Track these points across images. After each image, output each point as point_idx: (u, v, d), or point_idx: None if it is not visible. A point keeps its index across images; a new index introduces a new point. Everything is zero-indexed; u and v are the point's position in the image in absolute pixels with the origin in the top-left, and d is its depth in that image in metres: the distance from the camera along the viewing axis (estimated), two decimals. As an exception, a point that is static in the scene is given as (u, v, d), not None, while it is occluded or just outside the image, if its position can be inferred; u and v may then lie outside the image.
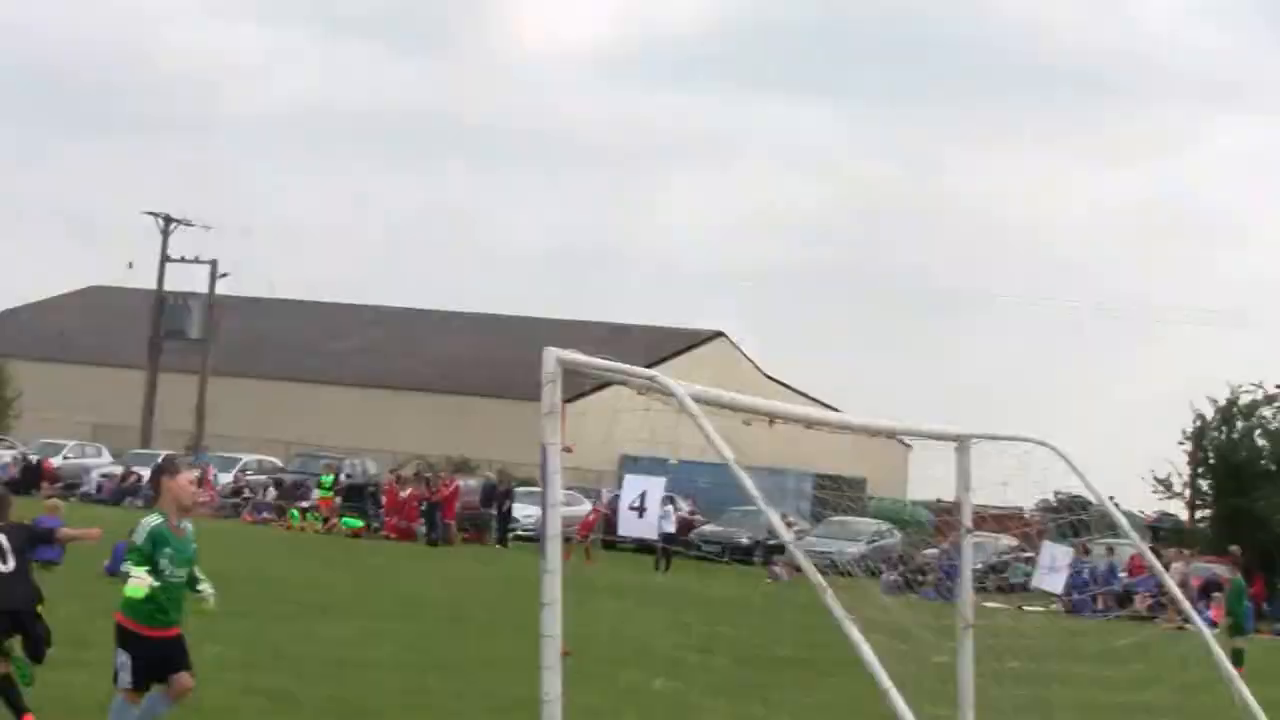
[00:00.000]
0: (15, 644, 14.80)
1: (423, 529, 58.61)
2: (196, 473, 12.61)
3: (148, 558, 12.54)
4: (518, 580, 39.94)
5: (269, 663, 20.71)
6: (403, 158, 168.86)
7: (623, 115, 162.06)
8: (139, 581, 12.40)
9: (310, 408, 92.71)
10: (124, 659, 12.66)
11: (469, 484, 64.69)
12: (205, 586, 13.18)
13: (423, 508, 59.15)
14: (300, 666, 20.60)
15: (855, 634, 10.39)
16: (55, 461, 70.26)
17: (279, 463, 75.37)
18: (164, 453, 73.89)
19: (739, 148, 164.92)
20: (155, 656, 12.69)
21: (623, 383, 11.58)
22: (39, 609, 14.92)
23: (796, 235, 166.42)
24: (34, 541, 15.33)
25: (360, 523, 59.16)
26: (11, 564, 14.76)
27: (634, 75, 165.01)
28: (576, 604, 11.16)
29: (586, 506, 60.88)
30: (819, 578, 10.60)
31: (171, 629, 12.80)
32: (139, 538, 12.59)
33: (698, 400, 10.98)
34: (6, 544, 14.80)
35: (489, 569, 45.95)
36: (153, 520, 12.70)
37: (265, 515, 62.75)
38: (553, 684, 10.63)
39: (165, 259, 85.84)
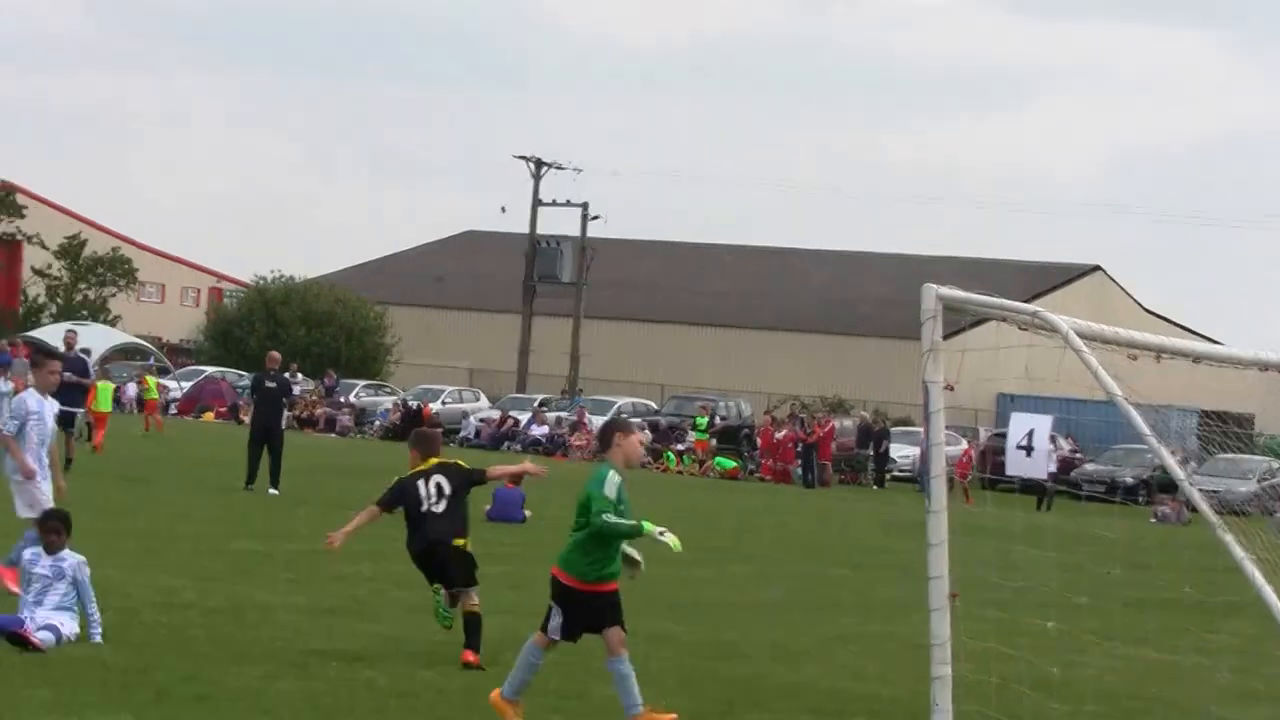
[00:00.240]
0: (440, 589, 15.41)
1: (798, 470, 58.36)
2: (647, 435, 12.55)
3: (613, 506, 12.41)
4: (896, 522, 39.44)
5: (646, 606, 20.50)
6: (778, 94, 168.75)
7: (996, 44, 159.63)
8: (670, 535, 12.56)
9: (684, 349, 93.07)
10: (557, 612, 12.58)
11: (844, 424, 64.20)
12: (634, 550, 12.86)
13: (798, 449, 58.88)
14: (680, 610, 20.38)
15: (1256, 574, 9.73)
16: (434, 407, 71.58)
17: (653, 405, 75.72)
18: (539, 397, 75.09)
19: (1114, 78, 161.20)
20: (590, 610, 12.61)
21: (1003, 319, 11.12)
22: (463, 542, 15.44)
23: (1174, 168, 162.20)
24: (470, 484, 15.69)
25: (734, 464, 59.10)
26: (444, 506, 15.29)
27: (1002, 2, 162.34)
28: (960, 545, 10.69)
29: (963, 445, 59.96)
30: (1215, 516, 10.02)
31: (610, 583, 12.66)
32: (609, 489, 12.43)
33: (1081, 335, 10.44)
34: (447, 486, 15.35)
35: (866, 510, 45.45)
36: (614, 474, 12.54)
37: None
38: (941, 626, 10.26)
39: (537, 203, 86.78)
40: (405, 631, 16.56)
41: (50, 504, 16.41)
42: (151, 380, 60.84)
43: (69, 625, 14.33)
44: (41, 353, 18.47)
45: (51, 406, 17.01)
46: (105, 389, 45.03)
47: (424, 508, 15.25)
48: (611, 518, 12.35)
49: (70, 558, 14.63)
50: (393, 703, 13.02)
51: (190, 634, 15.39)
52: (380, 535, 17.67)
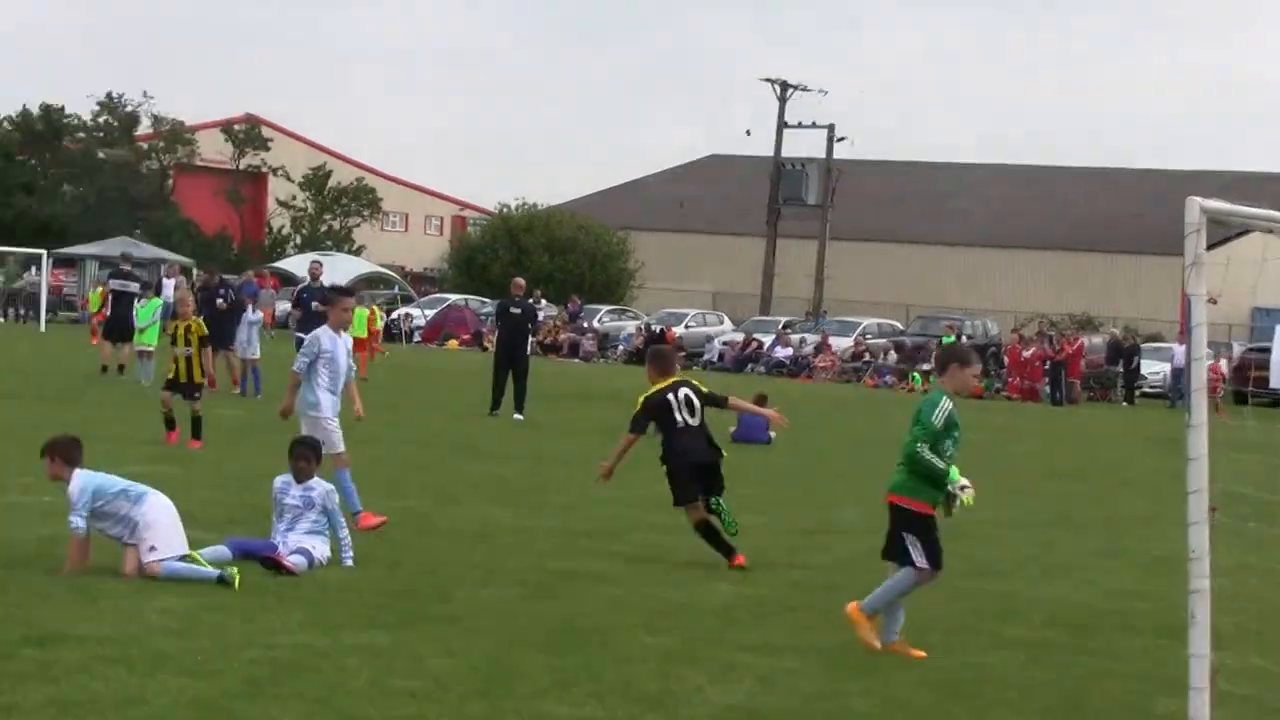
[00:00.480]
0: (719, 501, 16.15)
1: (1046, 388, 57.60)
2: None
3: (935, 437, 12.26)
4: (1147, 438, 38.72)
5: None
6: (1024, 9, 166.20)
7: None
8: (969, 489, 12.44)
9: (929, 269, 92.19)
10: (916, 541, 12.33)
11: (1093, 341, 63.20)
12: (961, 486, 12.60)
13: (1046, 367, 58.11)
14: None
15: None
16: (677, 330, 71.61)
17: (898, 325, 75.10)
18: (783, 319, 74.83)
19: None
20: (937, 534, 12.48)
21: (1268, 230, 10.73)
22: (717, 453, 16.34)
23: None
24: (710, 404, 16.36)
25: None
26: (696, 419, 16.10)
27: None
28: (1218, 459, 10.36)
29: (1212, 359, 58.71)
30: None
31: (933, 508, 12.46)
32: (937, 418, 12.27)
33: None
34: (696, 400, 16.08)
35: (1116, 427, 44.68)
36: (946, 402, 12.38)
37: (886, 379, 62.62)
38: (1199, 540, 9.94)
39: (782, 125, 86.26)
40: (654, 553, 16.51)
41: (340, 445, 16.64)
42: (376, 309, 61.51)
43: (320, 549, 14.46)
44: (336, 290, 18.62)
45: (345, 343, 17.14)
46: (361, 315, 45.48)
47: (679, 424, 15.97)
48: (926, 452, 12.21)
49: (319, 486, 14.74)
50: (641, 622, 12.95)
51: (440, 556, 15.47)
52: (636, 461, 17.62)
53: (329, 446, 16.39)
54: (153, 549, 13.21)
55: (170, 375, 24.19)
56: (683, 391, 16.15)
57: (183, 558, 13.39)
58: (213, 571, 13.24)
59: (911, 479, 12.36)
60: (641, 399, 16.25)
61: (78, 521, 13.17)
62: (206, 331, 24.31)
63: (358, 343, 43.74)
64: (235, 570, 13.34)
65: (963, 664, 12.28)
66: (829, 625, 13.34)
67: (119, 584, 12.77)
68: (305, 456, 14.86)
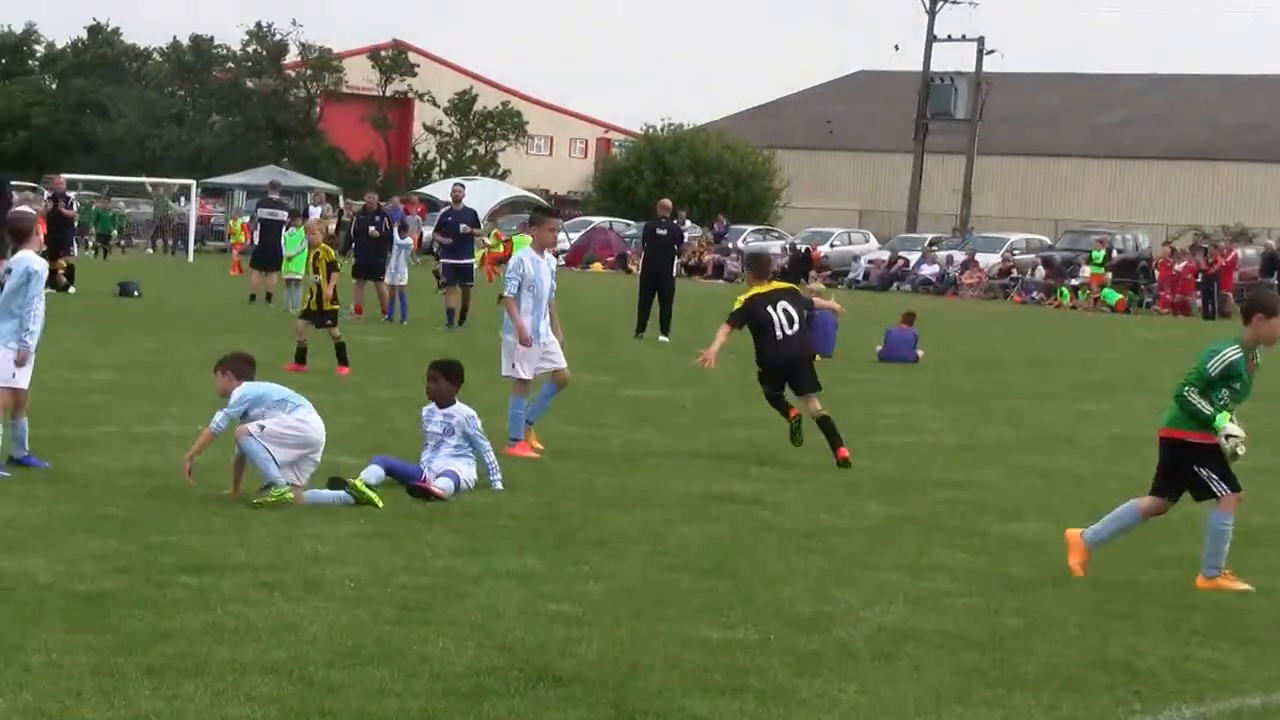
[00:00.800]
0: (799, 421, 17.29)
1: (1197, 302, 56.80)
2: None
3: (1207, 383, 11.86)
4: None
5: (1049, 444, 20.13)
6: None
7: None
8: (1236, 439, 11.81)
9: (1078, 183, 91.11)
10: (1210, 472, 11.88)
11: (1247, 253, 62.19)
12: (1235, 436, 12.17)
13: (1198, 280, 57.29)
14: (1081, 445, 19.93)
15: None
16: (823, 249, 71.30)
17: (1047, 241, 74.29)
18: (929, 236, 74.26)
19: None
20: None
21: None
22: (810, 357, 17.35)
23: None
24: (810, 308, 17.54)
25: (1119, 296, 57.68)
26: (794, 329, 16.99)
27: None
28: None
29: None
30: None
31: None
32: (1213, 367, 11.87)
33: None
34: (793, 310, 17.04)
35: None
36: (1232, 351, 11.95)
37: (1034, 295, 62.01)
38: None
39: (931, 39, 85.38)
40: (802, 475, 16.44)
41: (525, 372, 16.72)
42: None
43: (466, 472, 14.47)
44: (540, 210, 18.58)
45: (549, 264, 17.13)
46: (520, 241, 45.47)
47: (778, 334, 16.97)
48: (1193, 395, 11.79)
49: (459, 412, 14.71)
50: (793, 543, 12.90)
51: (588, 480, 15.48)
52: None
53: (515, 372, 16.67)
54: (262, 427, 13.23)
55: (305, 303, 24.29)
56: (781, 304, 17.08)
57: (338, 483, 13.45)
58: (347, 495, 13.32)
59: (1184, 413, 11.95)
60: (743, 298, 17.24)
61: (220, 419, 13.24)
62: (334, 257, 24.11)
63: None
64: (377, 493, 13.44)
65: (1120, 581, 12.12)
66: (980, 545, 13.24)
67: (272, 513, 12.87)
68: (434, 378, 14.83)
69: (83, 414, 17.66)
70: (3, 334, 14.01)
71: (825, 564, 12.26)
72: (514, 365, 16.84)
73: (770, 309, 17.02)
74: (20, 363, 14.02)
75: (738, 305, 17.23)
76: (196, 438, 13.51)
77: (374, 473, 14.13)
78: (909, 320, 31.22)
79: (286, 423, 13.30)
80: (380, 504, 13.31)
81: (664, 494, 14.93)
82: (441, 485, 14.10)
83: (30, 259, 14.16)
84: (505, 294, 16.92)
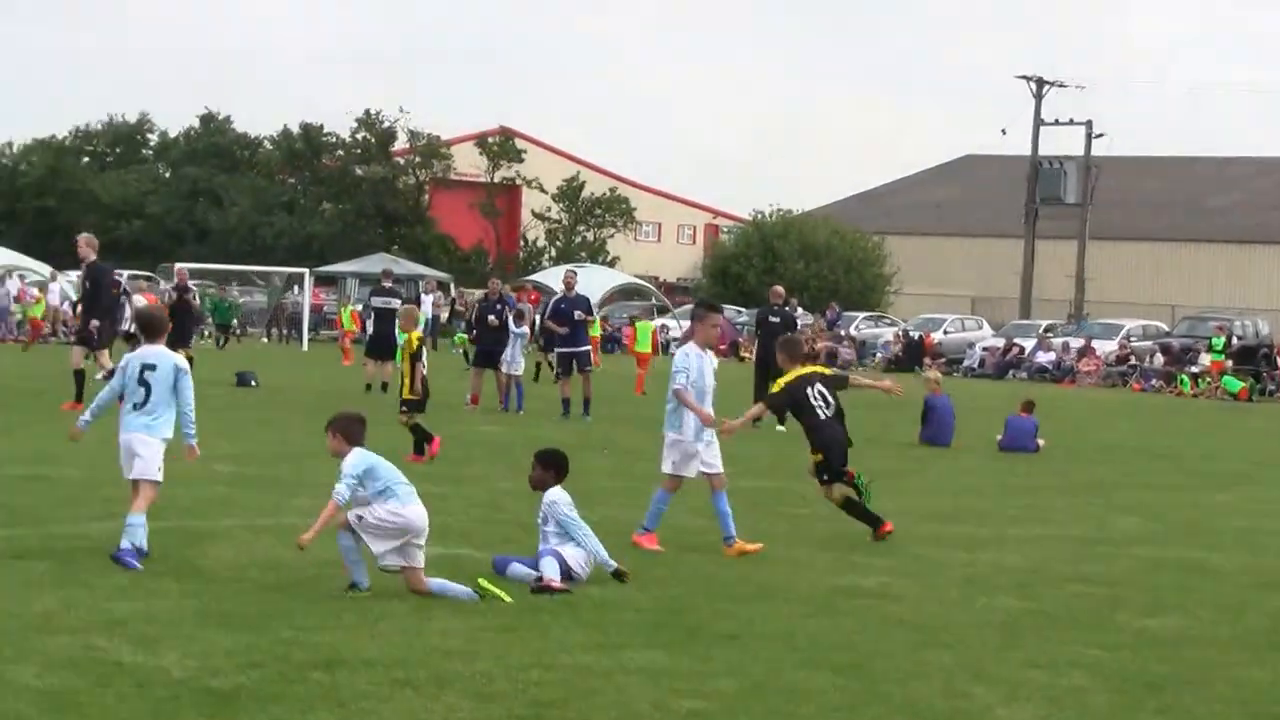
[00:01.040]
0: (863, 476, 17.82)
1: (1320, 389, 56.05)
2: None
3: None
4: None
5: (1179, 536, 19.80)
6: None
7: None
8: None
9: (1194, 268, 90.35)
10: None
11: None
12: None
13: (1320, 366, 56.54)
14: (1211, 537, 19.59)
15: None
16: (936, 336, 70.95)
17: (1164, 327, 73.59)
18: (1044, 322, 73.75)
19: None
20: None
21: None
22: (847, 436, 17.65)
23: None
24: (838, 386, 17.90)
25: (1241, 385, 56.95)
26: (831, 410, 17.48)
27: None
28: None
29: None
30: None
31: None
32: None
33: None
34: (827, 393, 17.47)
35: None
36: None
37: (1154, 383, 61.33)
38: None
39: (1039, 123, 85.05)
40: (927, 568, 16.23)
41: (717, 465, 16.78)
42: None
43: (574, 554, 14.34)
44: (702, 305, 18.47)
45: (711, 361, 17.09)
46: (645, 329, 45.57)
47: (820, 416, 17.37)
48: None
49: (550, 496, 14.64)
50: (923, 638, 12.71)
51: (713, 572, 15.35)
52: (904, 471, 17.42)
53: (676, 469, 16.66)
54: (360, 518, 13.17)
55: (400, 392, 24.30)
56: (816, 386, 17.39)
57: (476, 587, 13.38)
58: (472, 592, 13.26)
59: None
60: (782, 382, 17.53)
61: (343, 489, 13.18)
62: (417, 347, 24.13)
63: (641, 357, 44.08)
64: (503, 588, 13.36)
65: (1266, 681, 11.85)
66: (1116, 640, 12.99)
67: (400, 605, 12.82)
68: (532, 465, 14.92)
69: (207, 507, 17.71)
70: (152, 428, 14.21)
71: (957, 659, 12.06)
72: (674, 464, 16.76)
73: (809, 390, 17.31)
74: (190, 459, 14.61)
75: (777, 389, 17.59)
76: (325, 512, 13.37)
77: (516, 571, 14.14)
78: (1029, 409, 30.92)
79: (380, 515, 13.24)
80: (508, 599, 13.22)
81: (790, 587, 14.77)
82: (546, 567, 14.01)
83: (174, 355, 14.54)
84: (675, 386, 16.71)
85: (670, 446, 16.73)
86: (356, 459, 13.36)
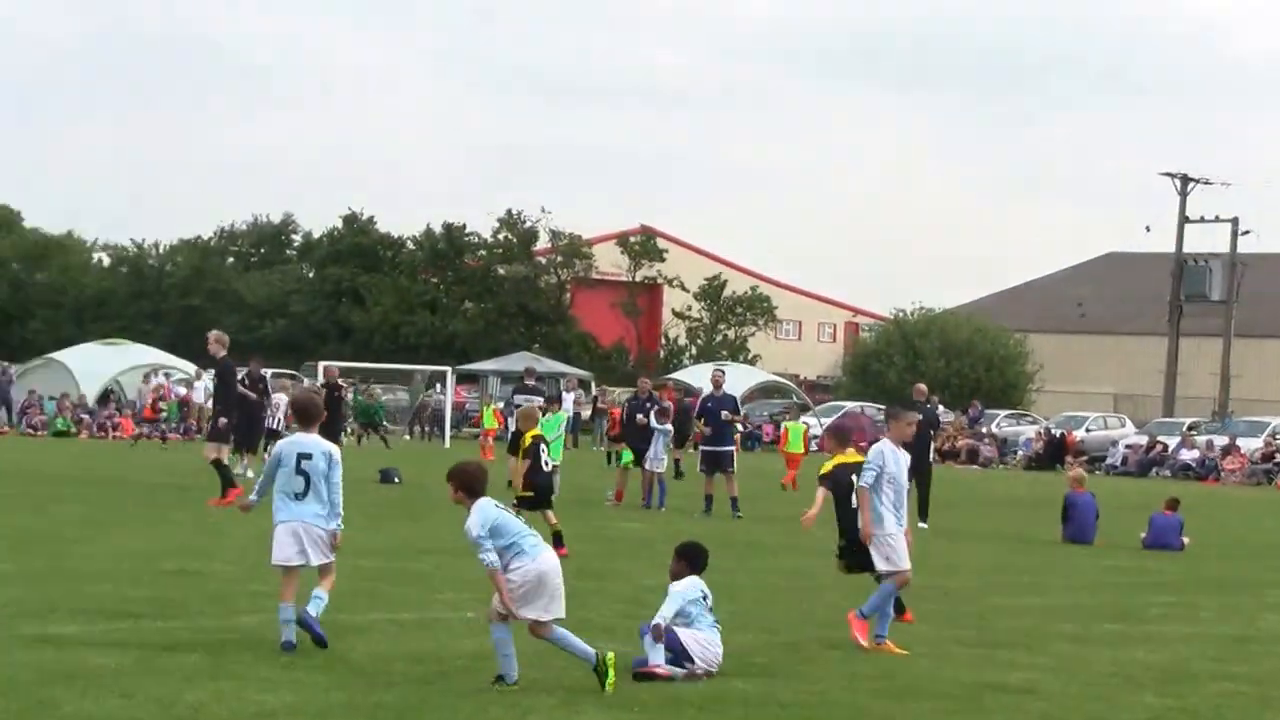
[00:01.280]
0: None
1: None
2: None
3: None
4: None
5: None
6: None
7: None
8: None
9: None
10: None
11: None
12: None
13: None
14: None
15: None
16: (1078, 434, 70.43)
17: (1313, 426, 72.56)
18: (1188, 420, 72.97)
19: None
20: None
21: None
22: None
23: None
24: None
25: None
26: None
27: None
28: None
29: None
30: None
31: None
32: None
33: None
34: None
35: None
36: None
37: (1288, 477, 60.49)
38: None
39: (1184, 220, 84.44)
40: (1072, 665, 16.12)
41: (905, 559, 16.81)
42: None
43: (692, 639, 14.39)
44: (899, 404, 18.88)
45: (904, 458, 17.21)
46: (796, 430, 45.65)
47: (853, 504, 17.00)
48: None
49: (677, 586, 14.74)
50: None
51: (854, 667, 15.33)
52: (1047, 568, 17.35)
53: (891, 564, 16.69)
54: (510, 580, 13.20)
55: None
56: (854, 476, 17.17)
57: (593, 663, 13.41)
58: (592, 653, 13.31)
59: None
60: (832, 464, 17.50)
61: (490, 558, 13.19)
62: (528, 444, 24.34)
63: (792, 458, 44.15)
64: (610, 663, 13.31)
65: None
66: None
67: (547, 699, 12.87)
68: (673, 557, 15.05)
69: (353, 600, 17.87)
70: (305, 515, 14.46)
71: (1105, 757, 11.99)
72: (887, 559, 16.80)
73: (854, 477, 17.14)
74: (335, 548, 14.71)
75: (826, 470, 17.48)
76: (495, 583, 13.37)
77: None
78: (1173, 506, 30.63)
79: (514, 579, 13.20)
80: (608, 690, 13.21)
81: (933, 683, 14.71)
82: (656, 657, 14.07)
83: (327, 443, 14.75)
84: (861, 484, 16.92)
85: (880, 543, 16.79)
86: (480, 517, 13.39)
